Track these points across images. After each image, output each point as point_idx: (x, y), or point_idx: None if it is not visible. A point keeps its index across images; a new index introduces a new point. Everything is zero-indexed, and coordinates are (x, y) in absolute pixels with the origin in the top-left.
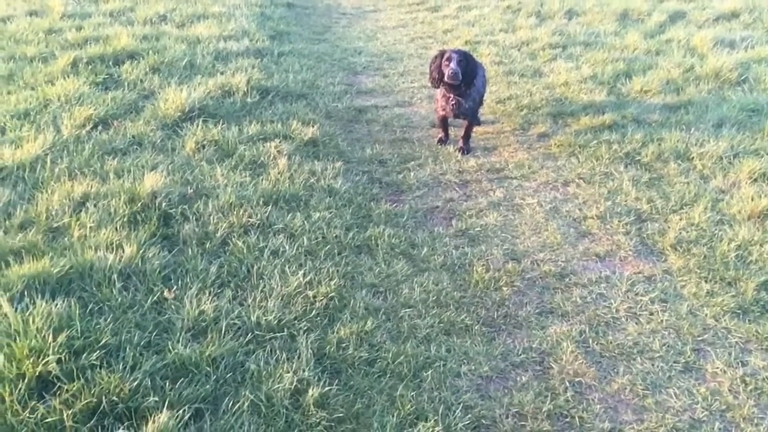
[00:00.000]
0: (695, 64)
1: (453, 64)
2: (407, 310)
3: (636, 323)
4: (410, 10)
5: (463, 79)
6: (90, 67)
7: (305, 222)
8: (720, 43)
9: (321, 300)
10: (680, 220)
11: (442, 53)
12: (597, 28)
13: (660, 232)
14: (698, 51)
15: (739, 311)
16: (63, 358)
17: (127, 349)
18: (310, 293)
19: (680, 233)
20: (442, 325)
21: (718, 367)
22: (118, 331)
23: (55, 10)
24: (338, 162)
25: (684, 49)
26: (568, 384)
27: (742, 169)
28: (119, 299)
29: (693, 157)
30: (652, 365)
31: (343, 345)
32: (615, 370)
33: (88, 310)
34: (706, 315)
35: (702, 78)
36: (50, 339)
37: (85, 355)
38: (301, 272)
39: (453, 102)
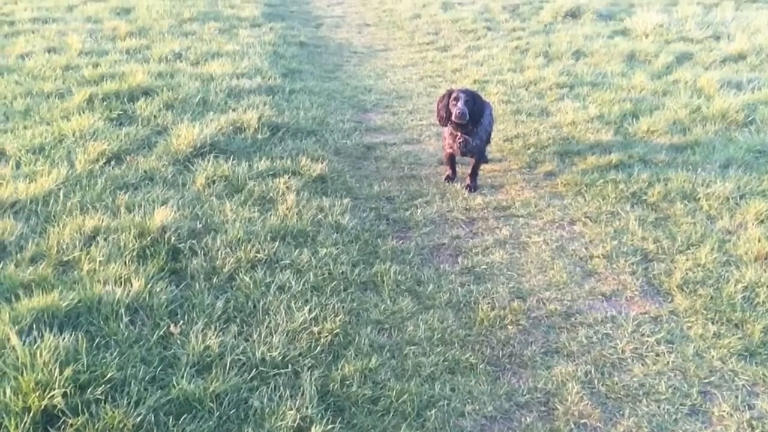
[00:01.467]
0: (702, 105)
1: (460, 104)
2: (412, 347)
3: (642, 364)
4: (420, 50)
5: (470, 118)
6: (105, 103)
7: (312, 258)
8: (727, 84)
9: (326, 336)
10: (687, 260)
11: (449, 93)
12: (604, 69)
13: (666, 272)
14: (705, 92)
15: (746, 353)
16: (69, 392)
17: (132, 383)
18: (315, 329)
19: (687, 274)
20: (446, 363)
21: (724, 411)
22: (124, 366)
23: (73, 47)
24: (346, 198)
25: (691, 90)
26: (573, 426)
27: (749, 210)
28: (126, 333)
29: (699, 198)
30: (658, 407)
31: (347, 382)
32: (620, 412)
33: (94, 344)
34: (713, 357)
35: (709, 119)
36: (57, 373)
37: (90, 389)
38: (306, 308)
39: (460, 140)
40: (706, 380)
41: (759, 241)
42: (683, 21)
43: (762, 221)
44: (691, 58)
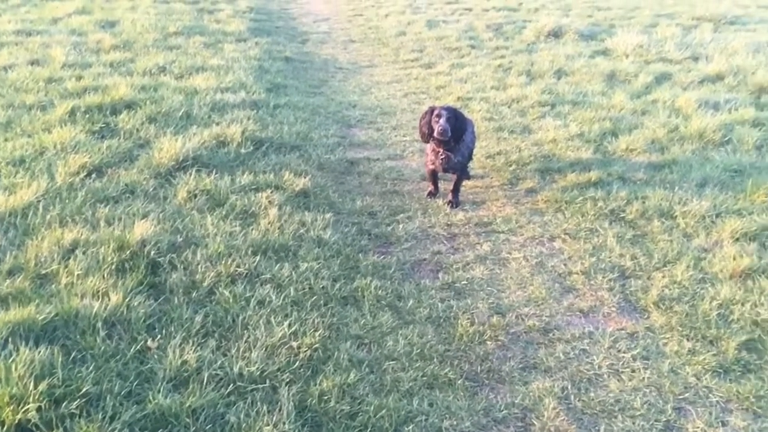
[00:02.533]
0: (680, 125)
1: (442, 121)
2: (391, 362)
3: (618, 380)
4: (405, 67)
5: (452, 135)
6: (87, 115)
7: (293, 272)
8: (704, 104)
9: (305, 351)
10: (663, 277)
11: (432, 110)
12: (585, 88)
13: (643, 289)
14: (683, 112)
15: (720, 370)
16: (43, 407)
17: (108, 398)
18: (295, 344)
19: (663, 291)
20: (425, 378)
21: (698, 427)
22: (100, 380)
23: (57, 60)
24: (328, 213)
25: (669, 109)
26: None
27: (725, 228)
28: (102, 348)
29: (676, 216)
30: (633, 424)
31: (325, 398)
32: (596, 427)
33: (70, 358)
34: (688, 373)
35: (686, 138)
36: (31, 386)
37: (65, 403)
38: (286, 323)
39: (443, 156)
40: (681, 396)
41: (734, 258)
42: (662, 42)
43: (737, 239)
44: (670, 78)
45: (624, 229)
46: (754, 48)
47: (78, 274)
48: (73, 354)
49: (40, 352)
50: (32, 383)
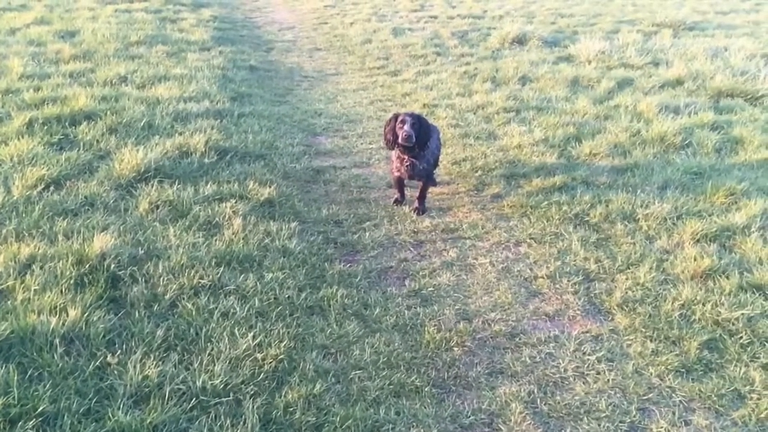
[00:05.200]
0: (641, 129)
1: (407, 127)
2: (357, 371)
3: (583, 383)
4: (371, 74)
5: (417, 141)
6: (46, 127)
7: (258, 283)
8: (665, 108)
9: (270, 363)
10: (626, 279)
11: (396, 116)
12: (549, 94)
13: (607, 291)
14: (644, 116)
15: (683, 370)
16: None
17: (66, 416)
18: (259, 356)
19: (626, 293)
20: (392, 386)
21: (662, 427)
22: (57, 398)
23: (14, 71)
24: (294, 222)
25: (631, 114)
26: None
27: (686, 230)
28: (60, 365)
29: (639, 219)
30: (599, 425)
31: (291, 409)
32: (562, 431)
33: (27, 376)
34: (651, 374)
35: (648, 142)
36: None
37: (21, 423)
38: (251, 334)
39: (408, 163)
40: (645, 397)
41: (695, 260)
42: (624, 48)
43: (698, 240)
44: (632, 83)
45: (588, 232)
46: (713, 53)
47: (35, 290)
48: (29, 372)
49: None
50: None
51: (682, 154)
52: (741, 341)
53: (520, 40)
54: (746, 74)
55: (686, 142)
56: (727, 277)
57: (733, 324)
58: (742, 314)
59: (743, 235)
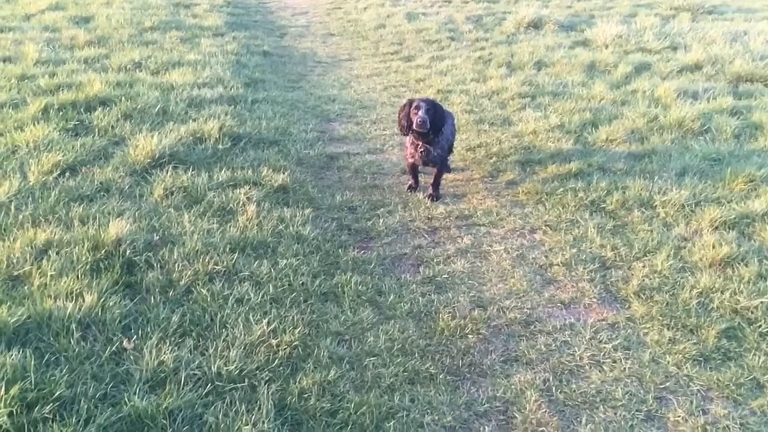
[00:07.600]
0: (659, 115)
1: (421, 113)
2: (372, 358)
3: (599, 371)
4: (384, 60)
5: (431, 127)
6: (61, 113)
7: (272, 269)
8: (683, 94)
9: (284, 349)
10: (643, 267)
11: (410, 102)
12: (565, 79)
13: (624, 279)
14: (662, 101)
15: (700, 359)
16: (15, 411)
17: (82, 401)
18: (274, 342)
19: (643, 280)
20: (406, 374)
21: (679, 416)
22: (74, 383)
23: (29, 57)
24: (308, 209)
25: (648, 99)
26: None
27: (704, 217)
28: (77, 350)
29: (656, 205)
30: (615, 414)
31: (305, 395)
32: (578, 419)
33: (44, 361)
34: (668, 362)
35: (666, 128)
36: (2, 391)
37: (38, 408)
38: (265, 320)
39: (422, 149)
40: (662, 386)
41: (713, 247)
42: (642, 32)
43: (716, 228)
44: (649, 68)
45: (604, 219)
46: (732, 37)
47: (51, 275)
48: (46, 357)
49: (12, 355)
50: (3, 387)
51: (700, 140)
52: (760, 330)
53: (536, 25)
54: (766, 59)
55: (705, 127)
56: (746, 265)
57: (752, 312)
58: (762, 302)
59: (763, 222)
